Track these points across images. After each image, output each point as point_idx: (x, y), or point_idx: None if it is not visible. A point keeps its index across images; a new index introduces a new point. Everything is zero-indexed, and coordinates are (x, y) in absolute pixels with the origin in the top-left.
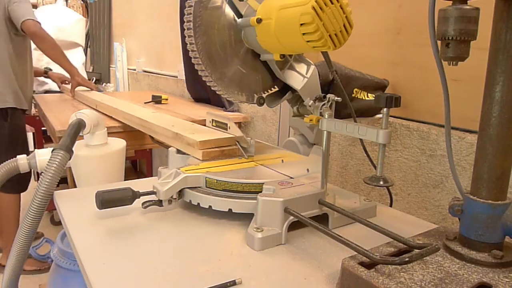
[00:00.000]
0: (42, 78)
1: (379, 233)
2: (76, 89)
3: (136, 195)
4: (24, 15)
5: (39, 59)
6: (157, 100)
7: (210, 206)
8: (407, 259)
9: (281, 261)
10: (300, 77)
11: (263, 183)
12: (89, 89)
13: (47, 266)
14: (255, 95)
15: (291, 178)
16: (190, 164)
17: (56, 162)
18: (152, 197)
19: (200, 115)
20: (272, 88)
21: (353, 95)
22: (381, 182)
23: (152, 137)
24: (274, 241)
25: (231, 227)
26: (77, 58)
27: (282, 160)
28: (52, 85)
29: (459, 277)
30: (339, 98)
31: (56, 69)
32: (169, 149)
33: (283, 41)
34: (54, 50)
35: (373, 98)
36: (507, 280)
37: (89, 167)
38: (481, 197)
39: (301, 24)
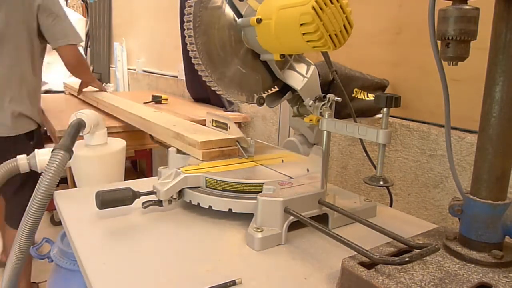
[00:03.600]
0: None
1: (379, 233)
2: (84, 89)
3: (136, 195)
4: (63, 37)
5: None
6: (157, 100)
7: (210, 206)
8: (407, 259)
9: (281, 261)
10: (300, 77)
11: (263, 183)
12: (97, 89)
13: None
14: (255, 95)
15: (291, 178)
16: (190, 164)
17: (56, 162)
18: (152, 197)
19: (200, 115)
20: (272, 88)
21: (353, 95)
22: (381, 182)
23: (152, 137)
24: (274, 241)
25: (231, 227)
26: None
27: (282, 160)
28: (52, 85)
29: (459, 277)
30: (339, 98)
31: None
32: (169, 149)
33: (283, 41)
34: (87, 75)
35: (373, 98)
36: (507, 280)
37: (89, 167)
38: (481, 197)
39: (301, 24)
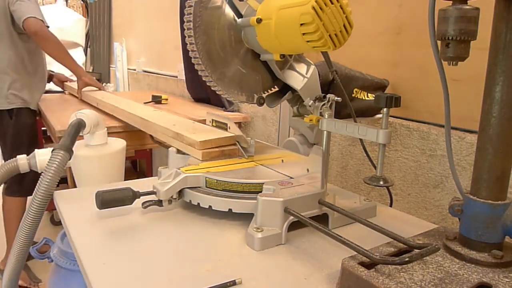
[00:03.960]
0: None
1: (379, 233)
2: (83, 89)
3: (136, 195)
4: (26, 14)
5: None
6: (157, 100)
7: (210, 206)
8: (407, 259)
9: (281, 261)
10: (300, 77)
11: (263, 183)
12: (96, 89)
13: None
14: (255, 95)
15: (291, 178)
16: (190, 164)
17: (56, 162)
18: (152, 197)
19: (200, 115)
20: (272, 88)
21: (353, 95)
22: (381, 182)
23: (152, 137)
24: (274, 241)
25: (231, 227)
26: (77, 58)
27: (282, 160)
28: (52, 85)
29: (459, 277)
30: (339, 98)
31: (57, 68)
32: (169, 149)
33: (283, 41)
34: (58, 50)
35: (373, 98)
36: (507, 280)
37: (89, 167)
38: (481, 197)
39: (301, 24)
